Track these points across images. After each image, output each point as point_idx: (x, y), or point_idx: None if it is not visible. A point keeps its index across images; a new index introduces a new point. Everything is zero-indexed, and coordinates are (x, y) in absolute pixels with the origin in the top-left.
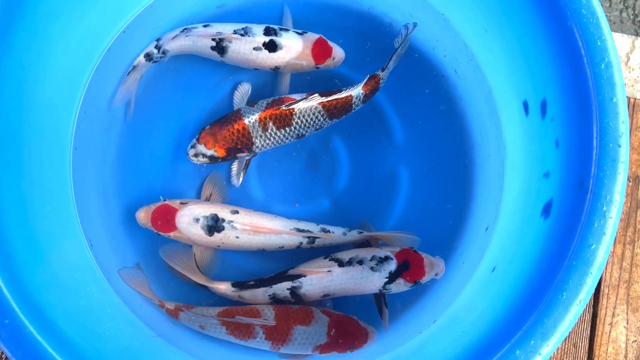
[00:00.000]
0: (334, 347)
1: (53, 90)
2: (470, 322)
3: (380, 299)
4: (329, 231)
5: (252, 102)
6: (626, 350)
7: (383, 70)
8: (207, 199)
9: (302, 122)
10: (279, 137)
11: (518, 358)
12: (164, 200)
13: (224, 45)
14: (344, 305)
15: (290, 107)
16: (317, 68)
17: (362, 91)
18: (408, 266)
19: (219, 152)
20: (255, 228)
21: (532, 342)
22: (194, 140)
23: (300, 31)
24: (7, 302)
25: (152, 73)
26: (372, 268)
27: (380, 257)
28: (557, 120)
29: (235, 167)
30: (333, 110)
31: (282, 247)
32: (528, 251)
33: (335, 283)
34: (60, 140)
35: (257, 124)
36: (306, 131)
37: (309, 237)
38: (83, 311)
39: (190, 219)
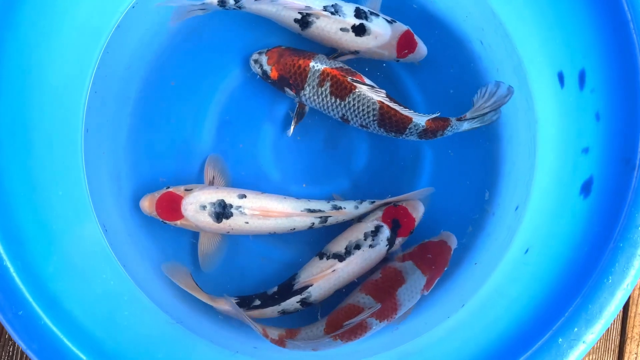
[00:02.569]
0: (434, 277)
1: (61, 70)
2: (504, 307)
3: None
4: (340, 208)
5: (332, 55)
6: None
7: (459, 119)
8: (211, 183)
9: (354, 104)
10: (327, 102)
11: (560, 346)
12: (168, 188)
13: (309, 20)
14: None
15: (355, 84)
16: (398, 61)
17: (423, 124)
18: (399, 223)
19: (272, 73)
20: (265, 212)
21: (576, 329)
22: (265, 49)
23: (389, 19)
24: (20, 292)
25: (169, 50)
26: (370, 246)
27: (372, 231)
28: (598, 91)
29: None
30: (386, 119)
31: (294, 229)
32: (566, 232)
33: (343, 278)
34: (70, 122)
35: (318, 73)
36: (351, 117)
37: (320, 217)
38: (99, 299)
39: (196, 206)
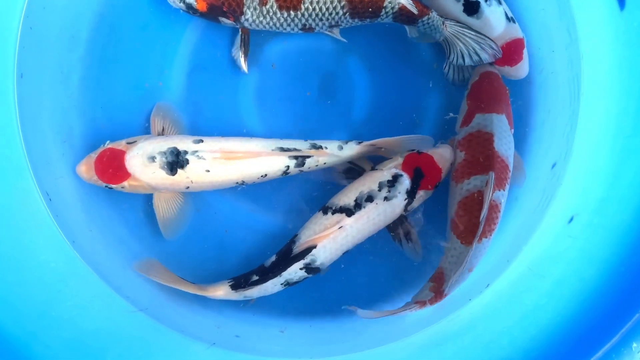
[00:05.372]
0: (509, 109)
1: None
2: (544, 292)
3: (397, 227)
4: (320, 147)
5: None
6: None
7: (441, 17)
8: (160, 135)
9: (313, 9)
10: (278, 19)
11: (635, 354)
12: (107, 144)
13: None
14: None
15: None
16: (491, 64)
17: (398, 4)
18: (422, 173)
19: (199, 4)
20: (227, 154)
21: None
22: None
23: (510, 15)
24: None
25: None
26: (386, 198)
27: (389, 180)
28: None
29: (234, 51)
30: (357, 5)
31: (265, 175)
32: (628, 197)
33: (352, 236)
34: None
35: None
36: (317, 24)
37: (296, 158)
38: (30, 289)
39: (143, 159)
